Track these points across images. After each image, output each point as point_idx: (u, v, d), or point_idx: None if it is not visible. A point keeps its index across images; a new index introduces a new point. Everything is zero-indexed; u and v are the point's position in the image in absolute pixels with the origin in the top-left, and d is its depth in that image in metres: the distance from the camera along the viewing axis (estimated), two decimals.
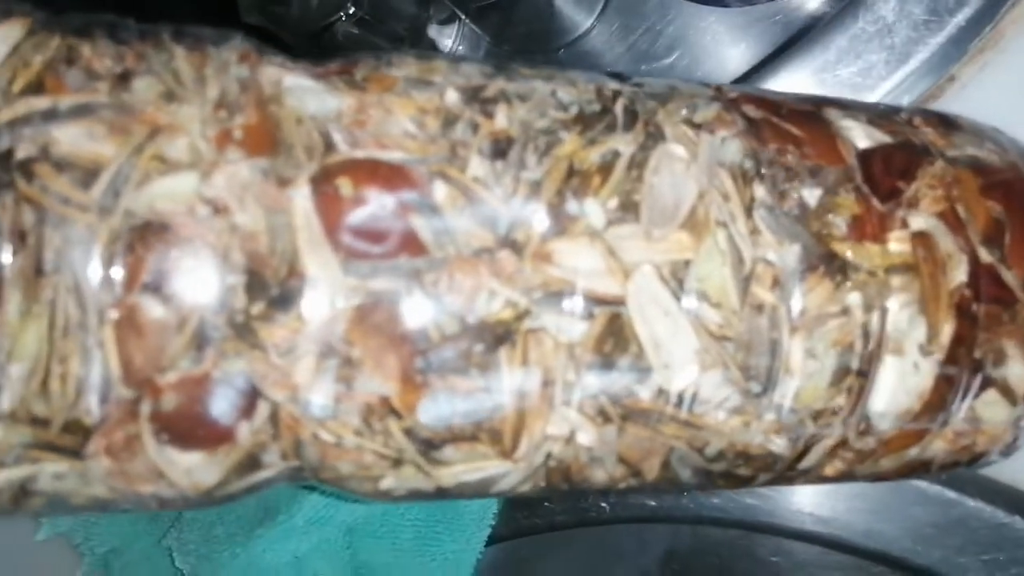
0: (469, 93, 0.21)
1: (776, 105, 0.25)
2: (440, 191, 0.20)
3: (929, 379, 0.24)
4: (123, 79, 0.20)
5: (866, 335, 0.23)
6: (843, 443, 0.24)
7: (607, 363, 0.21)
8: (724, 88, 0.25)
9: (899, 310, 0.23)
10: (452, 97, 0.21)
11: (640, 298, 0.21)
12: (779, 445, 0.23)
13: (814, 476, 0.25)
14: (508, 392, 0.20)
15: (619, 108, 0.22)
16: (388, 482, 0.21)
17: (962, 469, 0.28)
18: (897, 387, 0.23)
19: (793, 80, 0.36)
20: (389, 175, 0.20)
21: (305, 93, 0.21)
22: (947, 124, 0.27)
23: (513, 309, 0.20)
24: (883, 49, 0.34)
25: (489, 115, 0.21)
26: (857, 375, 0.23)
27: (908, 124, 0.26)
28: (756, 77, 0.37)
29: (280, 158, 0.20)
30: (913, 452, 0.25)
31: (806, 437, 0.23)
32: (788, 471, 0.24)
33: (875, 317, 0.23)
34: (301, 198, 0.20)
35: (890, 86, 0.35)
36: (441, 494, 0.22)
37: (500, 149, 0.21)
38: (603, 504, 0.36)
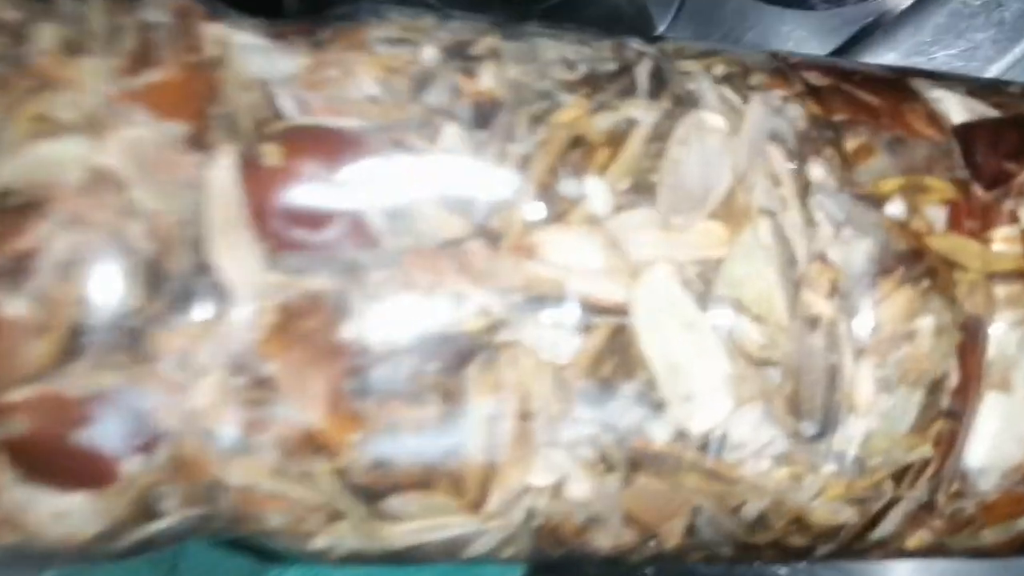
0: (451, 50, 0.17)
1: (847, 72, 0.19)
2: (399, 165, 0.16)
3: None
4: (22, 28, 0.16)
5: (962, 363, 0.17)
6: (930, 507, 0.18)
7: (607, 392, 0.16)
8: (784, 54, 0.20)
9: (1007, 330, 0.17)
10: (429, 54, 0.17)
11: (652, 306, 0.16)
12: (842, 508, 0.18)
13: (893, 549, 0.19)
14: (474, 426, 0.15)
15: (642, 69, 0.17)
16: (322, 541, 0.16)
17: None
18: (1003, 434, 0.18)
19: None
20: (336, 145, 0.16)
21: (253, 53, 0.17)
22: None
23: (484, 317, 0.15)
24: (990, 25, 0.29)
25: (472, 74, 0.16)
26: (948, 417, 0.17)
27: (1022, 97, 0.20)
28: None
29: (208, 126, 0.16)
30: None
31: (880, 498, 0.18)
32: (857, 542, 0.19)
33: (974, 339, 0.17)
34: (221, 171, 0.15)
35: (999, 70, 0.29)
36: (396, 558, 0.17)
37: (483, 115, 0.16)
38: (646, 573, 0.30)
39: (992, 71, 0.28)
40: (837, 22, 0.44)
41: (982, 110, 0.19)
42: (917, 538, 0.19)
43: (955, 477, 0.18)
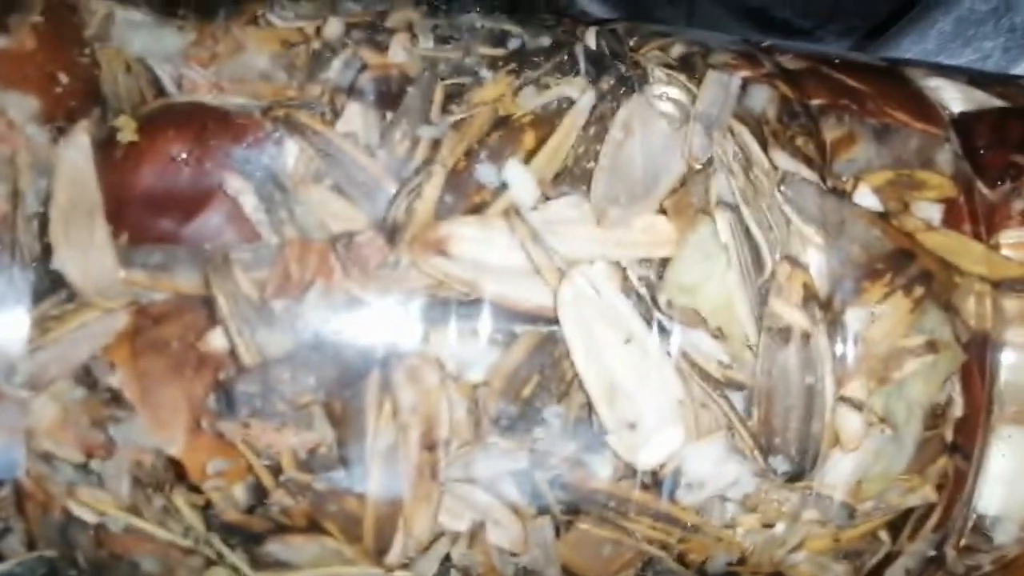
0: (360, 23, 0.15)
1: (828, 57, 0.17)
2: (287, 148, 0.13)
3: None
4: None
5: (967, 389, 0.14)
6: (938, 563, 0.15)
7: (531, 417, 0.13)
8: (757, 39, 0.18)
9: (1021, 355, 0.15)
10: (333, 26, 0.15)
11: (584, 314, 0.13)
12: (830, 564, 0.15)
13: None
14: (369, 458, 0.13)
15: (582, 45, 0.15)
16: None
17: None
18: (1021, 475, 0.15)
19: None
20: (212, 126, 0.13)
21: (138, 29, 0.15)
22: None
23: (380, 325, 0.13)
24: (1000, 32, 0.26)
25: (381, 48, 0.14)
26: (953, 454, 0.14)
27: None
28: None
29: (66, 101, 0.13)
30: None
31: (875, 551, 0.15)
32: None
33: (981, 360, 0.14)
34: (72, 150, 0.13)
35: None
36: None
37: (391, 92, 0.14)
38: None
39: None
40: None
41: (985, 99, 0.17)
42: None
43: (966, 527, 0.15)
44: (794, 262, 0.14)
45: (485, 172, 0.13)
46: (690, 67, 0.15)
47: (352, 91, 0.14)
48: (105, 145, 0.13)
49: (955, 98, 0.16)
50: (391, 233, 0.13)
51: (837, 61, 0.17)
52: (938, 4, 0.26)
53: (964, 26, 0.26)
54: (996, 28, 0.26)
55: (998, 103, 0.17)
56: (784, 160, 0.14)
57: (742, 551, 0.14)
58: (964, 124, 0.16)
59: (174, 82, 0.14)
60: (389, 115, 0.14)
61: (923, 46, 0.26)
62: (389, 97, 0.14)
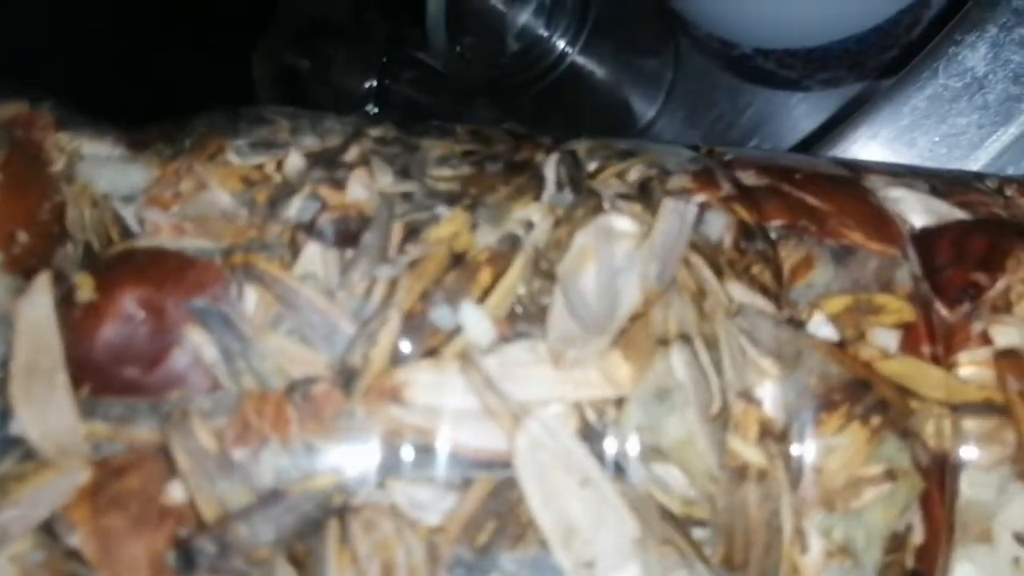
0: (319, 156, 0.15)
1: (790, 169, 0.17)
2: (247, 295, 0.14)
3: None
4: None
5: (927, 514, 0.14)
6: None
7: (488, 561, 0.13)
8: (718, 150, 0.18)
9: (982, 473, 0.15)
10: (293, 162, 0.15)
11: (537, 459, 0.13)
12: None
13: None
14: None
15: (540, 169, 0.15)
16: None
17: None
18: None
19: (858, 155, 0.28)
20: (171, 275, 0.14)
21: (103, 166, 0.15)
22: None
23: (336, 475, 0.13)
24: (974, 109, 0.26)
25: (339, 185, 0.15)
26: None
27: (998, 194, 0.18)
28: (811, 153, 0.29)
29: (28, 250, 0.14)
30: None
31: None
32: None
33: (940, 484, 0.14)
34: (33, 304, 0.13)
35: (987, 157, 0.26)
36: None
37: (349, 232, 0.14)
38: None
39: (980, 157, 0.26)
40: (834, 100, 0.42)
41: (946, 211, 0.17)
42: None
43: None
44: (749, 397, 0.14)
45: (440, 314, 0.14)
46: (647, 194, 0.15)
47: (311, 231, 0.14)
48: (66, 300, 0.13)
49: (916, 211, 0.17)
50: (347, 382, 0.13)
51: (800, 176, 0.17)
52: (914, 81, 0.27)
53: (937, 103, 0.26)
54: (969, 104, 0.26)
55: (960, 215, 0.17)
56: (739, 291, 0.15)
57: None
58: (924, 241, 0.16)
59: (137, 222, 0.14)
60: (348, 255, 0.14)
61: (897, 123, 0.27)
62: (347, 236, 0.14)
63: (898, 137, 0.27)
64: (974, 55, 0.27)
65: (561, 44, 0.41)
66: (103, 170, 0.15)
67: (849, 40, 0.37)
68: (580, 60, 0.42)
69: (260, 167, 0.15)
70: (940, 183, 0.18)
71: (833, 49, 0.38)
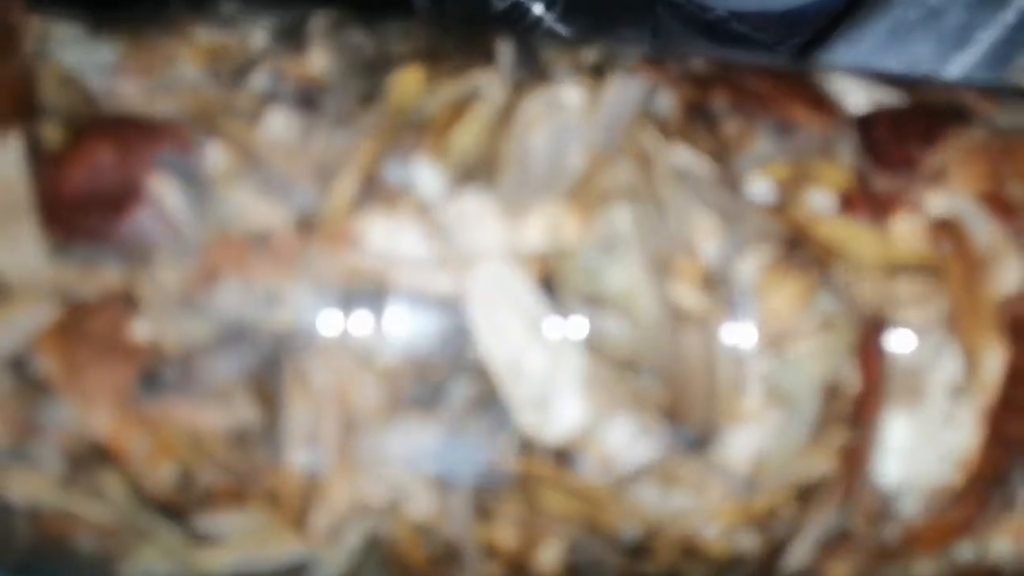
0: (280, 32, 0.16)
1: (738, 63, 0.18)
2: (213, 154, 0.14)
3: (970, 435, 0.16)
4: None
5: (863, 366, 0.15)
6: (846, 534, 0.16)
7: (441, 398, 0.14)
8: (675, 48, 0.19)
9: (914, 331, 0.15)
10: (257, 38, 0.16)
11: (488, 302, 0.14)
12: (740, 535, 0.15)
13: None
14: (290, 437, 0.14)
15: (496, 45, 0.16)
16: (133, 569, 0.14)
17: None
18: (919, 450, 0.16)
19: None
20: (139, 131, 0.14)
21: (73, 43, 0.16)
22: (1002, 91, 0.19)
23: (296, 314, 0.14)
24: (931, 37, 0.27)
25: (300, 54, 0.15)
26: (851, 428, 0.15)
27: (939, 88, 0.19)
28: None
29: (3, 116, 0.14)
30: (965, 552, 0.17)
31: (782, 523, 0.16)
32: (765, 575, 0.16)
33: (875, 340, 0.15)
34: (4, 155, 0.14)
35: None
36: None
37: (309, 97, 0.15)
38: None
39: None
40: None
41: (887, 98, 0.18)
42: (837, 571, 0.17)
43: (871, 499, 0.16)
44: (691, 250, 0.15)
45: (395, 169, 0.14)
46: (598, 71, 0.16)
47: (273, 98, 0.15)
48: (37, 152, 0.14)
49: (858, 96, 0.17)
50: (306, 228, 0.14)
51: (747, 67, 0.17)
52: (875, 11, 0.27)
53: (897, 32, 0.27)
54: (925, 34, 0.27)
55: (900, 100, 0.18)
56: (684, 155, 0.15)
57: (652, 523, 0.15)
58: (865, 120, 0.17)
59: (105, 94, 0.15)
60: (308, 118, 0.15)
61: (858, 50, 0.27)
62: (307, 101, 0.15)
63: (861, 65, 0.28)
64: None
65: (538, 10, 0.41)
66: (72, 48, 0.15)
67: (822, 2, 0.38)
68: (557, 27, 0.43)
69: (225, 44, 0.15)
70: (885, 77, 0.18)
71: (807, 12, 0.38)
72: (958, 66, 0.27)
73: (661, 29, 0.47)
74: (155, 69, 0.15)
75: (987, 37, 0.27)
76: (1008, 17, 0.27)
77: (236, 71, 0.15)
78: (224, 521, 0.14)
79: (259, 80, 0.15)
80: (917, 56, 0.27)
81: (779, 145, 0.16)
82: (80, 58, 0.15)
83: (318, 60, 0.15)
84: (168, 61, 0.15)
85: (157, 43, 0.15)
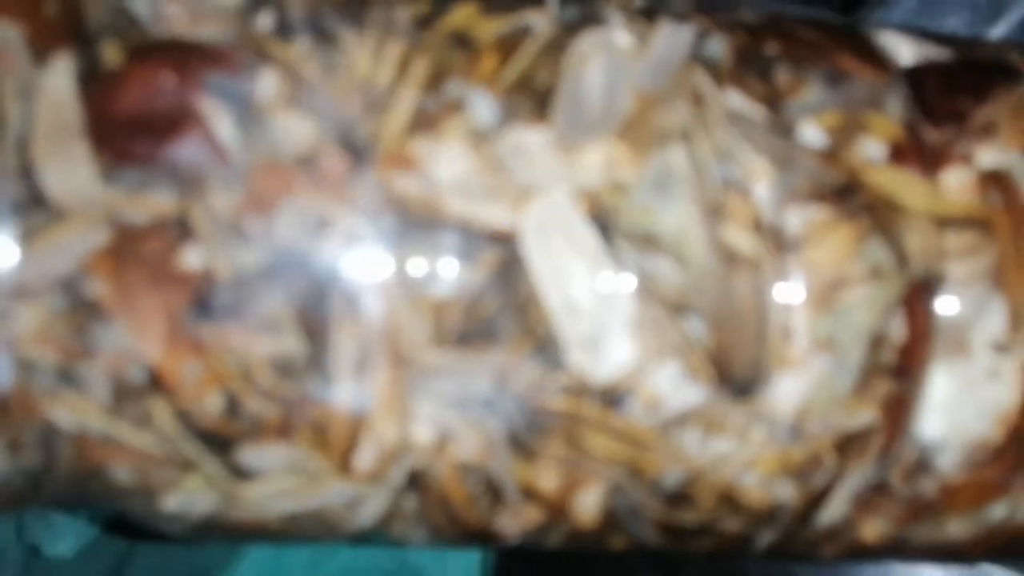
0: None
1: (786, 15, 0.18)
2: (263, 77, 0.14)
3: (1014, 391, 0.16)
4: None
5: (910, 316, 0.15)
6: (883, 489, 0.16)
7: (493, 335, 0.14)
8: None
9: (960, 285, 0.15)
10: None
11: (546, 236, 0.14)
12: (778, 483, 0.15)
13: (847, 541, 0.17)
14: (338, 369, 0.14)
15: None
16: (173, 501, 0.14)
17: None
18: (962, 404, 0.16)
19: None
20: (187, 57, 0.14)
21: None
22: None
23: (346, 241, 0.13)
24: (964, 8, 0.27)
25: None
26: (896, 378, 0.15)
27: (985, 47, 0.19)
28: None
29: (50, 30, 0.14)
30: (999, 512, 0.17)
31: (822, 473, 0.16)
32: (801, 528, 0.16)
33: (923, 291, 0.15)
34: (55, 76, 0.14)
35: None
36: (267, 531, 0.15)
37: (358, 17, 0.14)
38: None
39: None
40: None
41: (936, 53, 0.17)
42: (872, 527, 0.17)
43: (910, 453, 0.16)
44: (744, 193, 0.14)
45: (448, 94, 0.14)
46: (650, 14, 0.16)
47: (319, 20, 0.14)
48: (87, 73, 0.14)
49: (906, 51, 0.17)
50: (358, 153, 0.14)
51: (797, 19, 0.17)
52: None
53: (930, 4, 0.27)
54: (960, 4, 0.27)
55: (948, 56, 0.17)
56: (737, 99, 0.15)
57: (694, 468, 0.15)
58: (914, 74, 0.17)
59: (151, 13, 0.14)
60: (355, 35, 0.14)
61: (889, 24, 0.27)
62: (356, 15, 0.14)
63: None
64: None
65: None
66: None
67: None
68: None
69: None
70: (934, 35, 0.18)
71: None
72: (990, 38, 0.27)
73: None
74: None
75: (1019, 9, 0.27)
76: None
77: None
78: (268, 454, 0.14)
79: (304, 4, 0.15)
80: (949, 27, 0.27)
81: (831, 94, 0.16)
82: None
83: None
84: None
85: None
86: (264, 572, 0.31)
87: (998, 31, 0.27)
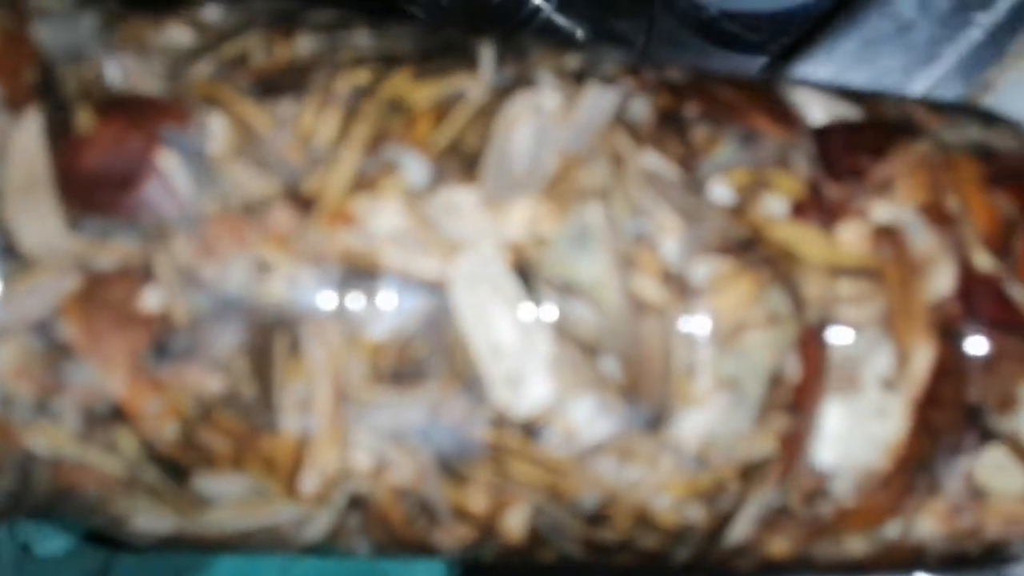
0: (274, 15, 0.17)
1: (710, 73, 0.19)
2: (215, 127, 0.15)
3: (899, 425, 0.17)
4: None
5: (804, 357, 0.17)
6: (784, 510, 0.18)
7: (423, 374, 0.15)
8: (658, 62, 0.20)
9: (853, 329, 0.17)
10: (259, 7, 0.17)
11: (471, 286, 0.15)
12: (689, 506, 0.17)
13: (755, 557, 0.19)
14: (284, 404, 0.15)
15: (483, 48, 0.17)
16: (140, 521, 0.16)
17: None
18: (852, 435, 0.17)
19: None
20: (147, 108, 0.16)
21: (79, 23, 0.17)
22: (951, 108, 0.21)
23: (290, 288, 0.15)
24: (899, 50, 0.29)
25: (289, 36, 0.16)
26: (791, 413, 0.17)
27: (894, 104, 0.20)
28: None
29: (23, 88, 0.16)
30: (892, 531, 0.19)
31: (727, 497, 0.17)
32: (712, 546, 0.18)
33: (817, 334, 0.17)
34: (25, 132, 0.15)
35: (911, 94, 0.29)
36: (223, 545, 0.17)
37: (302, 80, 0.16)
38: None
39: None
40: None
41: (843, 111, 0.19)
42: (778, 544, 0.18)
43: (807, 479, 0.18)
44: (654, 246, 0.16)
45: (385, 155, 0.16)
46: (578, 77, 0.17)
47: (268, 78, 0.16)
48: (56, 129, 0.15)
49: (817, 109, 0.19)
50: (304, 206, 0.15)
51: (720, 78, 0.19)
52: (850, 23, 0.29)
53: (870, 45, 0.29)
54: (897, 47, 0.28)
55: (856, 114, 0.19)
56: (653, 160, 0.17)
57: (610, 493, 0.17)
58: (821, 133, 0.18)
59: (118, 75, 0.16)
60: (303, 99, 0.16)
61: (828, 66, 0.29)
62: (297, 90, 0.16)
63: (834, 77, 0.29)
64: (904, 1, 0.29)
65: (537, 0, 0.42)
66: (76, 27, 0.16)
67: (811, 4, 0.39)
68: (555, 17, 0.44)
69: (216, 19, 0.16)
70: (848, 93, 0.20)
71: (795, 14, 0.40)
72: (925, 80, 0.28)
73: (656, 24, 0.48)
74: (151, 46, 0.16)
75: (953, 53, 0.29)
76: (975, 35, 0.28)
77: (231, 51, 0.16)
78: (223, 480, 0.15)
79: (256, 56, 0.16)
80: (886, 68, 0.29)
81: (742, 153, 0.17)
82: (87, 37, 0.16)
83: (308, 45, 0.16)
84: (157, 31, 0.16)
85: (159, 23, 0.16)
86: (239, 572, 0.33)
87: (932, 73, 0.29)
